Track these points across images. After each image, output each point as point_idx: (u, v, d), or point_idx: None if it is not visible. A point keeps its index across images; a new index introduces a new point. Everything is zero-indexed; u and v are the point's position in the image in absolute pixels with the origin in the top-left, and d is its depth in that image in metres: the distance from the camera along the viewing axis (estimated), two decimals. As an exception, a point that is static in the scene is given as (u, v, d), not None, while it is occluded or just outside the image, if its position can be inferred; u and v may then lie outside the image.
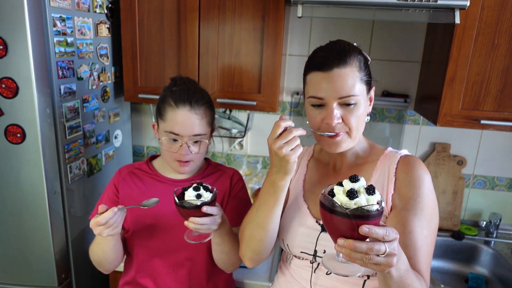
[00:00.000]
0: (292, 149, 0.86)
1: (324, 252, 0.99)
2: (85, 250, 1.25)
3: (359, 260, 0.69)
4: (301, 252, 1.03)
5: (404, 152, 1.04)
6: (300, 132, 0.87)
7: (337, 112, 0.93)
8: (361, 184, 0.72)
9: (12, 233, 1.39)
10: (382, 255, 0.69)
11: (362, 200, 0.69)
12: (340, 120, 0.94)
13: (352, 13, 1.41)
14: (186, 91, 1.16)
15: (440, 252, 1.81)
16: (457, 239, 1.80)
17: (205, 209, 0.96)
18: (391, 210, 0.98)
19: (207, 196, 0.98)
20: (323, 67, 0.92)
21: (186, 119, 1.13)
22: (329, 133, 0.95)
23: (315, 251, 1.01)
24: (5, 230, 1.40)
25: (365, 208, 0.68)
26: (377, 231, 0.68)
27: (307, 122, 1.04)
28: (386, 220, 0.97)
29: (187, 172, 1.21)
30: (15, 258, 1.42)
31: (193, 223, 0.97)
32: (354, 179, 0.73)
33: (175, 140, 1.14)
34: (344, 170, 1.07)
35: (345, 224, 0.69)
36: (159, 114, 1.18)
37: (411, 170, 0.98)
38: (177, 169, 1.19)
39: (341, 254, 0.73)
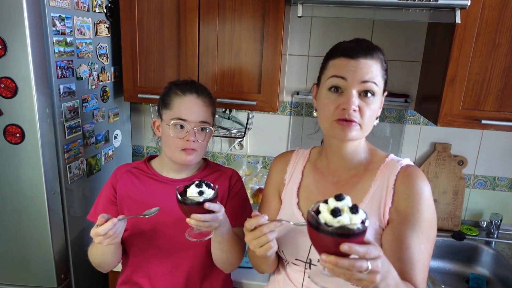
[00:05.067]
0: (261, 246, 0.90)
1: (318, 260, 1.00)
2: (85, 250, 1.24)
3: (342, 275, 0.72)
4: (296, 259, 1.04)
5: (406, 161, 1.02)
6: (273, 226, 0.89)
7: (355, 100, 0.92)
8: (345, 203, 0.75)
9: (12, 233, 1.39)
10: (365, 272, 0.71)
11: (345, 218, 0.72)
12: (357, 109, 0.93)
13: (352, 13, 1.41)
14: (191, 83, 1.22)
15: (441, 252, 1.81)
16: (457, 239, 1.79)
17: (207, 205, 0.96)
18: (387, 223, 0.97)
19: (209, 193, 0.99)
20: (350, 54, 0.93)
21: (194, 106, 1.17)
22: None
23: (310, 259, 1.01)
24: (5, 230, 1.39)
25: (347, 226, 0.71)
26: (358, 249, 0.70)
27: (314, 114, 1.03)
28: (383, 233, 0.97)
29: (192, 163, 1.20)
30: (15, 259, 1.42)
31: (195, 220, 0.97)
32: (339, 197, 0.75)
33: (182, 127, 1.16)
34: (343, 178, 1.05)
35: (328, 241, 0.72)
36: (164, 105, 1.20)
37: (411, 183, 0.96)
38: (182, 159, 1.18)
39: (326, 269, 0.76)
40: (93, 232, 1.01)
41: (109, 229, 0.99)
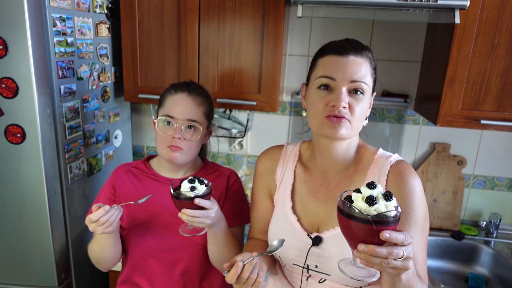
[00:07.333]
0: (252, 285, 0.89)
1: (316, 266, 0.99)
2: (85, 250, 1.25)
3: (377, 265, 0.71)
4: (293, 264, 1.04)
5: (395, 157, 1.01)
6: (250, 267, 0.88)
7: (345, 97, 0.92)
8: (378, 191, 0.74)
9: (12, 233, 1.39)
10: (400, 259, 0.71)
11: (381, 206, 0.71)
12: (347, 106, 0.92)
13: (352, 13, 1.41)
14: (187, 83, 1.25)
15: (440, 252, 1.81)
16: (457, 239, 1.80)
17: (197, 201, 0.97)
18: None
19: (201, 189, 0.99)
20: (340, 51, 0.93)
21: (183, 103, 1.18)
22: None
23: (307, 265, 1.01)
24: (5, 230, 1.40)
25: (385, 214, 0.70)
26: (398, 236, 0.70)
27: (303, 114, 1.03)
28: None
29: (178, 161, 1.19)
30: (15, 258, 1.42)
31: (185, 215, 0.98)
32: (372, 185, 0.74)
33: (170, 124, 1.17)
34: (334, 181, 1.03)
35: (366, 230, 0.70)
36: (160, 104, 1.23)
37: (402, 182, 0.95)
38: (168, 155, 1.17)
39: (357, 260, 0.74)
40: (87, 219, 1.03)
41: (101, 215, 1.01)
